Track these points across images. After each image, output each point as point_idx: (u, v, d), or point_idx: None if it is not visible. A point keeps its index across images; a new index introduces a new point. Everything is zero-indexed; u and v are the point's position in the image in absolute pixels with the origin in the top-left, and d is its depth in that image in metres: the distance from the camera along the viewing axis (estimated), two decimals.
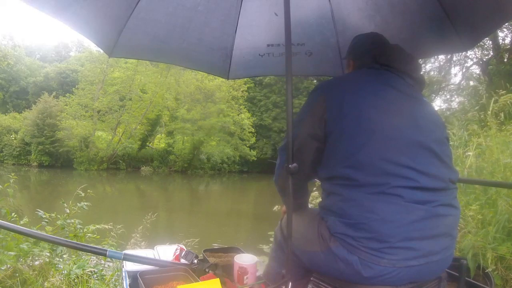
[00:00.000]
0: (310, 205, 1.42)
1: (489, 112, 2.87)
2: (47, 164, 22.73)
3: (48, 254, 2.84)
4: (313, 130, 1.15)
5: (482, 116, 3.07)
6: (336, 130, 1.11)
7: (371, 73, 1.22)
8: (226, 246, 1.87)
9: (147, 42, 1.81)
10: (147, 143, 25.41)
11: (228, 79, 2.16)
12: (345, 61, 1.45)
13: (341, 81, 1.23)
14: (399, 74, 1.20)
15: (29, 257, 2.77)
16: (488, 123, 2.91)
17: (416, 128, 1.09)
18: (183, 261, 1.63)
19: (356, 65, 1.35)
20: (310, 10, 1.84)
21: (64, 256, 2.97)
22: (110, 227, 3.46)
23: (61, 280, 2.54)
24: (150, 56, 2.16)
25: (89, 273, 2.66)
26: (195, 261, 1.60)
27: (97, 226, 3.33)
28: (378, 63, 1.22)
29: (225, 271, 1.57)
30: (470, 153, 2.73)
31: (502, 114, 2.91)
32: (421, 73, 1.27)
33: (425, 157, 1.07)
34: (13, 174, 3.46)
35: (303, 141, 1.17)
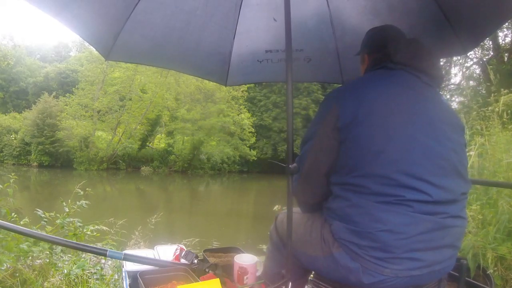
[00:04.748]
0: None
1: (496, 110, 2.87)
2: (47, 164, 22.73)
3: (48, 254, 2.84)
4: (328, 143, 1.10)
5: (486, 115, 3.06)
6: (349, 137, 1.05)
7: (385, 75, 1.15)
8: (226, 246, 1.87)
9: (145, 45, 1.79)
10: (147, 143, 25.41)
11: (226, 85, 2.13)
12: (358, 57, 1.39)
13: (354, 87, 1.14)
14: (415, 73, 1.12)
15: (29, 257, 2.77)
16: (491, 122, 2.91)
17: (434, 135, 1.04)
18: (183, 261, 1.63)
19: (371, 60, 1.28)
20: (309, 15, 1.82)
21: (64, 256, 2.97)
22: (109, 229, 3.45)
23: (61, 280, 2.54)
24: (147, 61, 2.13)
25: (89, 273, 2.66)
26: (195, 261, 1.59)
27: (97, 226, 3.32)
28: (392, 61, 1.15)
29: (225, 271, 1.56)
30: (472, 153, 2.72)
31: (505, 114, 2.91)
32: (439, 68, 1.19)
33: (440, 169, 1.03)
34: (13, 174, 3.45)
35: (315, 159, 1.14)
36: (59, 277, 2.57)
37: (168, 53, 1.89)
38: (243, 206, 14.12)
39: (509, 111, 2.95)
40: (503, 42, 13.31)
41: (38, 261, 2.80)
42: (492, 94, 3.17)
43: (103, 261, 2.99)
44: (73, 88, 24.24)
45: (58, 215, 3.18)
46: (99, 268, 2.79)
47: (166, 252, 1.84)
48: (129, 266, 1.64)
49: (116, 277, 2.69)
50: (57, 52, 47.37)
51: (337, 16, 1.80)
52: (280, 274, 1.20)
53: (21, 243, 2.64)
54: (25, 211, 3.54)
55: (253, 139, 24.66)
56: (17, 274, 2.54)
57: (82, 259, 2.84)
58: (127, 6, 1.54)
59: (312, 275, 1.36)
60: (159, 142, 26.49)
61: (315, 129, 1.14)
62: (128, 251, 1.84)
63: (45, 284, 2.50)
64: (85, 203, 3.28)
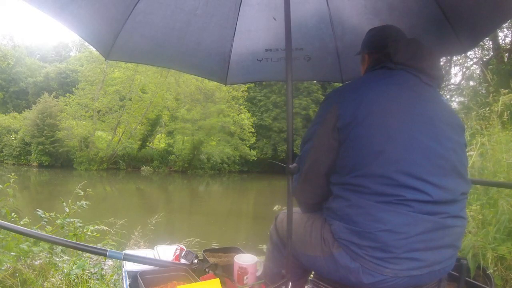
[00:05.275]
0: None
1: (496, 110, 2.86)
2: (47, 164, 22.74)
3: (48, 254, 2.84)
4: (327, 143, 1.10)
5: (486, 115, 3.06)
6: (349, 137, 1.05)
7: (385, 75, 1.15)
8: (226, 246, 1.87)
9: (144, 45, 1.79)
10: (147, 143, 25.41)
11: (226, 84, 2.13)
12: (357, 56, 1.39)
13: (354, 87, 1.14)
14: (415, 73, 1.12)
15: (29, 257, 2.77)
16: (491, 123, 2.91)
17: (434, 135, 1.04)
18: (183, 261, 1.63)
19: (371, 60, 1.28)
20: (309, 14, 1.82)
21: (64, 256, 2.97)
22: (109, 229, 3.45)
23: (61, 280, 2.54)
24: (147, 60, 2.13)
25: (89, 273, 2.65)
26: (195, 261, 1.59)
27: (97, 226, 3.33)
28: (392, 61, 1.14)
29: (225, 271, 1.56)
30: (473, 153, 2.72)
31: (505, 114, 2.91)
32: (439, 68, 1.19)
33: (440, 169, 1.02)
34: (13, 174, 3.46)
35: (315, 158, 1.14)
36: (59, 277, 2.57)
37: (168, 53, 1.89)
38: (243, 206, 14.12)
39: (508, 111, 2.95)
40: (503, 42, 13.32)
41: (38, 261, 2.80)
42: (491, 94, 3.18)
43: (103, 261, 2.99)
44: (73, 88, 24.23)
45: (58, 215, 3.18)
46: (99, 268, 2.79)
47: (166, 252, 1.84)
48: (129, 266, 1.63)
49: (116, 277, 2.69)
50: (57, 52, 47.39)
51: (337, 15, 1.80)
52: (280, 274, 1.20)
53: (21, 243, 2.64)
54: (25, 211, 3.55)
55: (253, 139, 24.66)
56: (17, 274, 2.54)
57: (82, 259, 2.84)
58: (127, 6, 1.54)
59: (312, 275, 1.36)
60: (159, 142, 26.49)
61: (315, 129, 1.14)
62: (128, 251, 1.84)
63: (45, 284, 2.50)
64: (85, 204, 3.29)
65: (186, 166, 23.48)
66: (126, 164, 23.40)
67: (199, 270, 1.55)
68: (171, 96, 24.01)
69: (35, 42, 63.79)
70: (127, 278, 1.56)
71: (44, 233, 2.72)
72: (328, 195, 1.16)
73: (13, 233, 2.52)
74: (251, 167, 25.54)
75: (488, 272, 1.88)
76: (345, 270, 1.04)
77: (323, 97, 1.23)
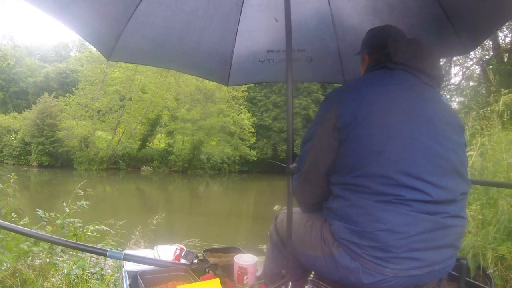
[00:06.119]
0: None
1: (496, 110, 2.86)
2: (47, 164, 22.74)
3: (48, 254, 2.84)
4: (327, 143, 1.10)
5: (487, 115, 3.06)
6: (349, 137, 1.05)
7: (385, 75, 1.15)
8: (226, 246, 1.87)
9: (146, 46, 1.79)
10: (147, 143, 25.41)
11: (228, 85, 2.13)
12: (359, 57, 1.39)
13: (354, 87, 1.13)
14: (415, 73, 1.12)
15: (29, 257, 2.77)
16: (491, 122, 2.91)
17: (434, 135, 1.04)
18: (183, 261, 1.63)
19: (371, 60, 1.28)
20: (310, 15, 1.82)
21: (64, 256, 2.97)
22: (109, 229, 3.45)
23: (61, 280, 2.54)
24: (149, 61, 2.12)
25: (89, 273, 2.66)
26: (195, 261, 1.59)
27: (97, 226, 3.33)
28: (392, 61, 1.14)
29: (225, 271, 1.56)
30: (473, 153, 2.72)
31: (505, 114, 2.91)
32: (439, 68, 1.18)
33: (440, 168, 1.02)
34: (13, 174, 3.46)
35: (315, 158, 1.14)
36: (59, 277, 2.57)
37: (169, 53, 1.89)
38: (243, 206, 14.12)
39: (509, 111, 2.95)
40: (503, 42, 13.30)
41: (38, 261, 2.80)
42: (492, 94, 3.18)
43: (103, 261, 2.99)
44: (73, 88, 24.24)
45: (58, 215, 3.18)
46: (99, 268, 2.79)
47: (166, 252, 1.84)
48: (129, 266, 1.63)
49: (116, 277, 2.69)
50: (57, 52, 47.41)
51: (338, 16, 1.80)
52: (280, 274, 1.20)
53: (21, 243, 2.65)
54: (25, 211, 3.55)
55: (253, 139, 24.66)
56: (17, 274, 2.54)
57: (82, 259, 2.84)
58: (128, 6, 1.54)
59: (312, 275, 1.36)
60: (159, 142, 26.49)
61: (315, 129, 1.14)
62: (128, 251, 1.84)
63: (45, 284, 2.50)
64: (85, 204, 3.29)
65: (186, 166, 23.48)
66: (126, 164, 23.39)
67: (199, 270, 1.55)
68: (171, 96, 24.01)
69: (35, 42, 63.92)
70: (127, 278, 1.56)
71: (44, 233, 2.72)
72: (328, 195, 1.16)
73: (13, 233, 2.52)
74: (251, 167, 25.53)
75: (488, 272, 1.88)
76: (345, 270, 1.04)
77: (323, 97, 1.23)
